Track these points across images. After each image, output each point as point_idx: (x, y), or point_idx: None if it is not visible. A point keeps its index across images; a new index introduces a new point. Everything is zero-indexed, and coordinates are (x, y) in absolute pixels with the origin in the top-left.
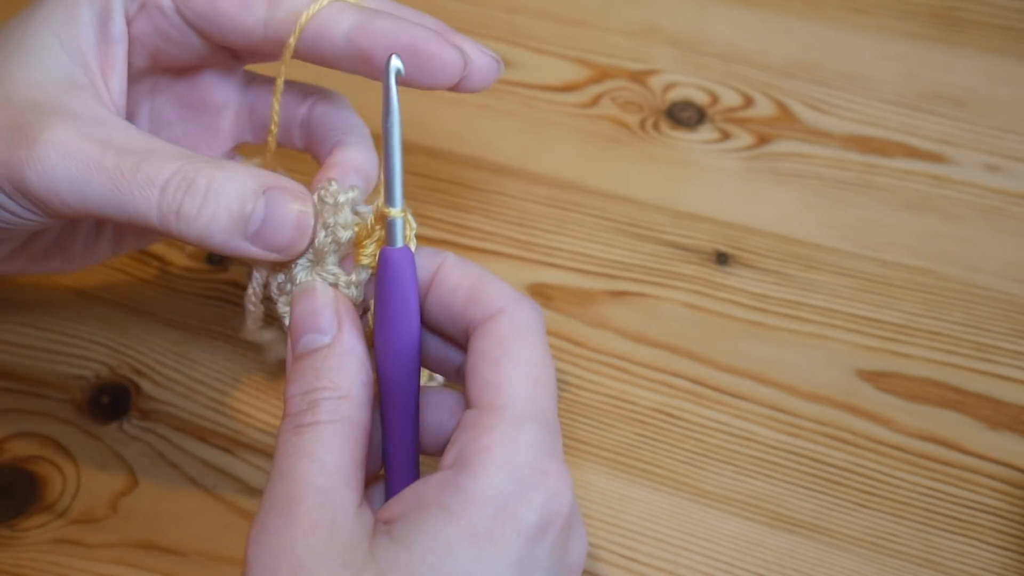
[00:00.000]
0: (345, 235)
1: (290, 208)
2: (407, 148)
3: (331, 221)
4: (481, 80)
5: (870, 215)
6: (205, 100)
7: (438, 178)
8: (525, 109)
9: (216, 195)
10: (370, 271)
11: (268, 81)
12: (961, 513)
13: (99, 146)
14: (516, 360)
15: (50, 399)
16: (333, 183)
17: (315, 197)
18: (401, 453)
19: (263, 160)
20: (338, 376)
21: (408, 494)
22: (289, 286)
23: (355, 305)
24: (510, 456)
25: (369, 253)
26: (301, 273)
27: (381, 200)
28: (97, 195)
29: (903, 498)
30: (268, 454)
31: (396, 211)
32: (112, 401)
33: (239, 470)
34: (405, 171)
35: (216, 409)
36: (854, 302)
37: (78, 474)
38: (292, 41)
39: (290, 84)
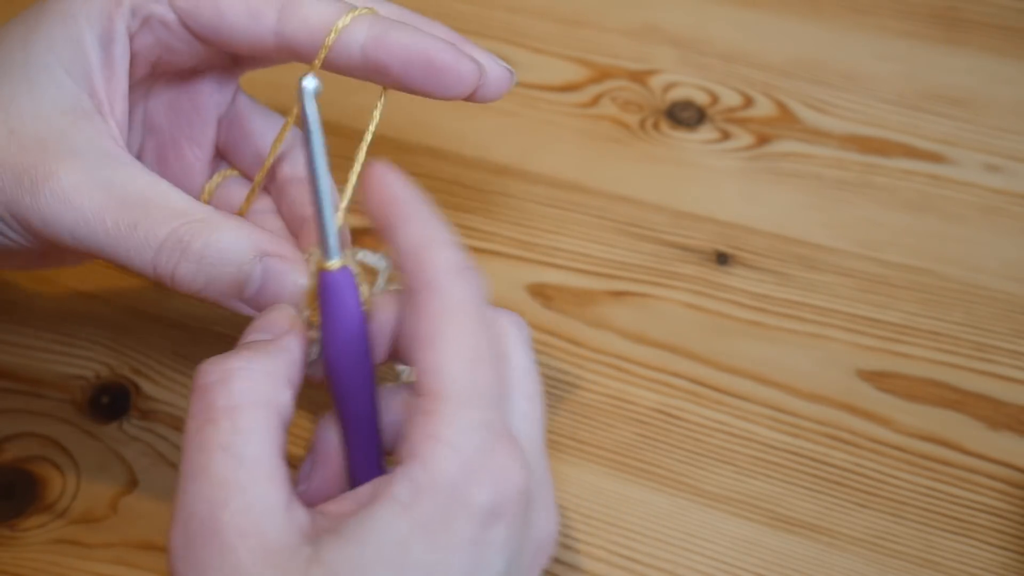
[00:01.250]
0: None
1: (286, 280)
2: (408, 148)
3: None
4: (495, 91)
5: (870, 215)
6: (198, 107)
7: (438, 178)
8: (525, 109)
9: (212, 262)
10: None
11: (253, 106)
12: (961, 513)
13: (101, 196)
14: (448, 340)
15: (50, 399)
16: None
17: (306, 257)
18: (366, 465)
19: (246, 200)
20: (265, 358)
21: (360, 491)
22: None
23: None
24: (454, 440)
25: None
26: None
27: (318, 254)
28: (97, 245)
29: (903, 498)
30: None
31: (333, 263)
32: (112, 401)
33: None
34: (406, 171)
35: None
36: (854, 302)
37: (78, 474)
38: (317, 63)
39: (267, 117)
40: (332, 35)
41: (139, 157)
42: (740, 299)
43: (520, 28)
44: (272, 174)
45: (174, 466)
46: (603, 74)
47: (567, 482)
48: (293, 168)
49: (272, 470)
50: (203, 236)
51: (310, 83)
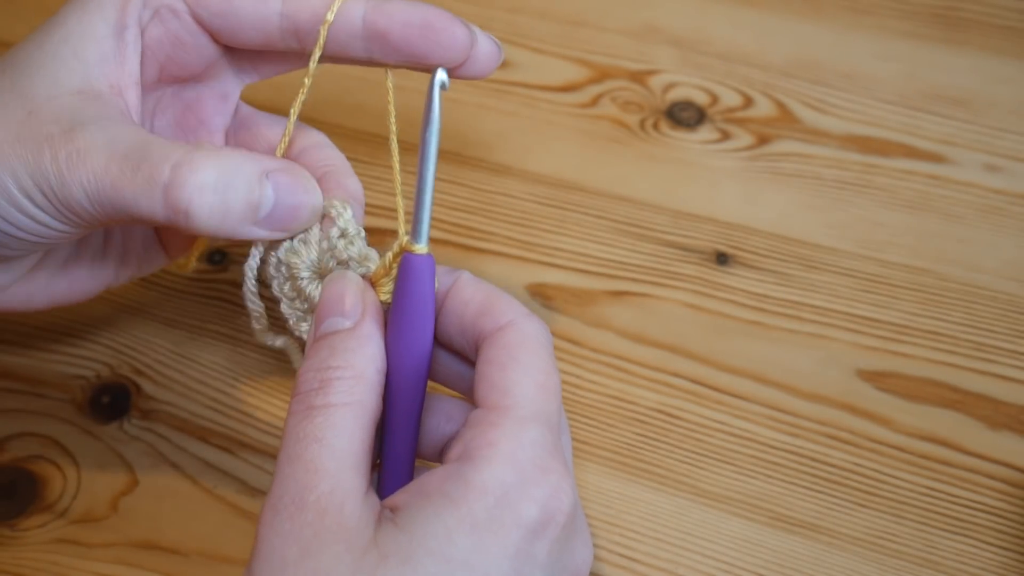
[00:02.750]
0: (356, 267)
1: (299, 196)
2: (408, 148)
3: (341, 247)
4: (485, 63)
5: (870, 215)
6: (204, 122)
7: (438, 178)
8: (525, 109)
9: (223, 186)
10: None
11: (256, 113)
12: (961, 513)
13: (106, 152)
14: (523, 366)
15: (50, 399)
16: (348, 209)
17: (323, 209)
18: (400, 451)
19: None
20: (354, 357)
21: (414, 485)
22: (289, 285)
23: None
24: (514, 451)
25: (387, 291)
26: (309, 286)
27: (404, 234)
28: (107, 198)
29: (903, 498)
30: (268, 454)
31: (421, 247)
32: (112, 401)
33: (239, 470)
34: (407, 172)
35: (216, 409)
36: (854, 302)
37: (78, 474)
38: (322, 34)
39: (273, 120)
40: (335, 5)
41: None
42: (740, 299)
43: (520, 28)
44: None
45: (174, 466)
46: (603, 74)
47: None
48: (301, 142)
49: (357, 461)
50: (208, 163)
51: (441, 74)
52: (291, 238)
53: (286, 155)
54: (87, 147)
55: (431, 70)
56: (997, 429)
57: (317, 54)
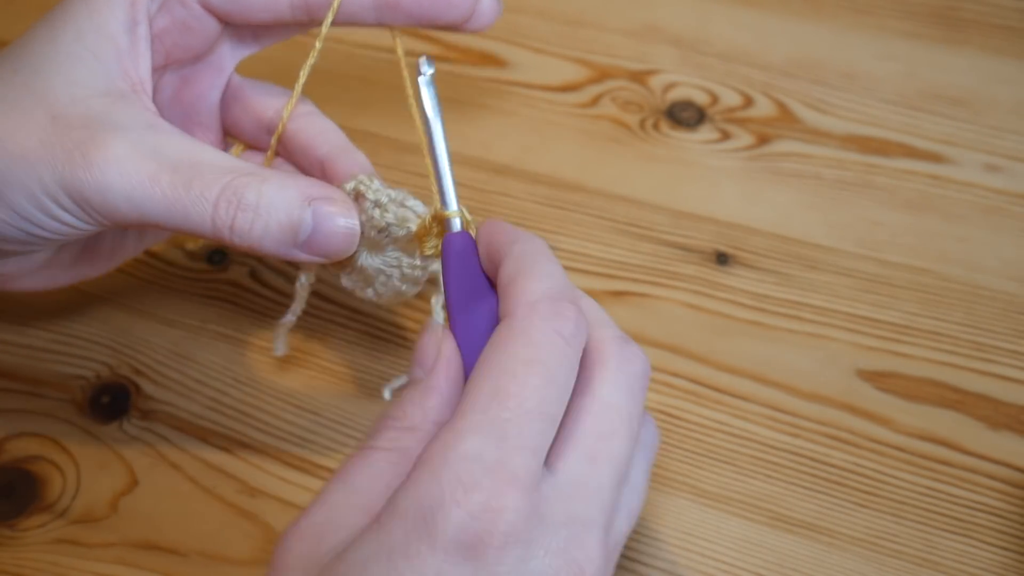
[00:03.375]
0: (398, 231)
1: (336, 221)
2: (408, 148)
3: (378, 216)
4: (488, 16)
5: (870, 215)
6: (201, 95)
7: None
8: (525, 109)
9: (266, 210)
10: (436, 259)
11: (245, 82)
12: (961, 513)
13: (154, 163)
14: (487, 370)
15: (50, 399)
16: (375, 180)
17: (352, 188)
18: None
19: (266, 160)
20: (411, 407)
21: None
22: (357, 276)
23: (420, 284)
24: (439, 466)
25: (432, 245)
26: (364, 259)
27: (437, 203)
28: (154, 210)
29: (903, 498)
30: (268, 454)
31: (452, 211)
32: (112, 401)
33: (239, 470)
34: (408, 172)
35: (216, 409)
36: (854, 302)
37: (78, 474)
38: (333, 6)
39: (262, 88)
40: None
41: None
42: (740, 299)
43: (520, 28)
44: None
45: (174, 466)
46: (603, 74)
47: None
48: (296, 124)
49: (369, 502)
50: (255, 187)
51: (426, 68)
52: None
53: (285, 125)
54: (130, 154)
55: (442, 28)
56: (997, 429)
57: (326, 25)
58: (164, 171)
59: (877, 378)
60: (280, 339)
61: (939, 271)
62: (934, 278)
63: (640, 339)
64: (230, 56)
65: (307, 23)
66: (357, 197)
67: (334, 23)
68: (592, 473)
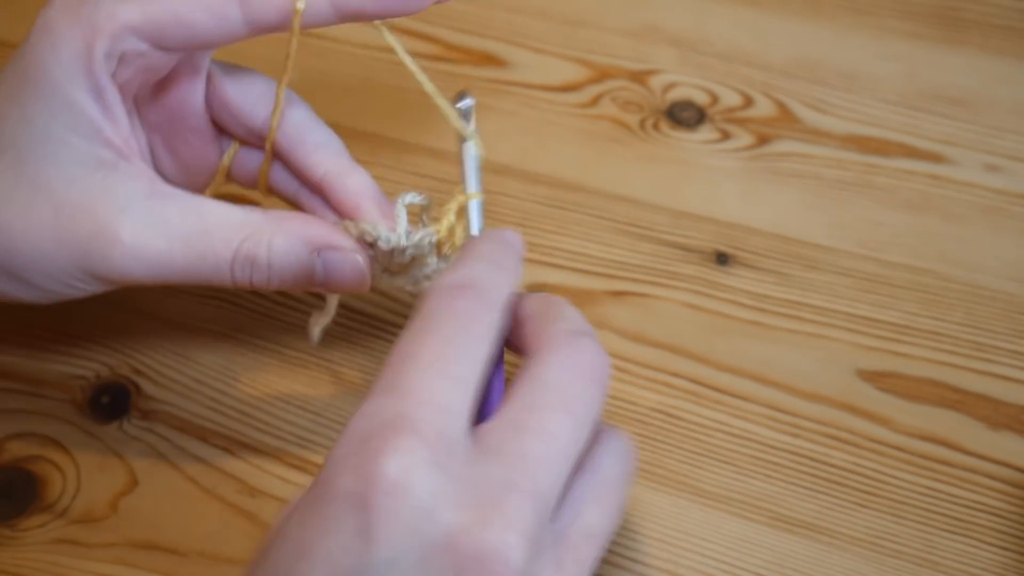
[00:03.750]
0: (403, 259)
1: (347, 267)
2: (408, 148)
3: (397, 256)
4: None
5: (870, 215)
6: (183, 102)
7: (438, 179)
8: (525, 109)
9: (279, 266)
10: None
11: (223, 76)
12: (961, 513)
13: (164, 242)
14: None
15: (50, 399)
16: (378, 227)
17: (356, 234)
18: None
19: (260, 184)
20: None
21: None
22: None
23: None
24: (345, 431)
25: (459, 239)
26: (387, 281)
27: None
28: (175, 279)
29: (903, 498)
30: (268, 454)
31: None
32: (112, 401)
33: (239, 470)
34: (408, 172)
35: (216, 409)
36: (854, 302)
37: (78, 474)
38: (293, 44)
39: (245, 86)
40: (297, 12)
41: (153, 155)
42: (740, 299)
43: (520, 28)
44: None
45: (174, 466)
46: (603, 74)
47: None
48: (289, 140)
49: None
50: (264, 246)
51: (468, 103)
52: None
53: (275, 135)
54: (140, 239)
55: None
56: (997, 429)
57: (294, 44)
58: (176, 247)
59: (877, 378)
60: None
61: (939, 271)
62: (934, 278)
63: (640, 339)
64: (202, 55)
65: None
66: (364, 236)
67: (302, 28)
68: (514, 440)
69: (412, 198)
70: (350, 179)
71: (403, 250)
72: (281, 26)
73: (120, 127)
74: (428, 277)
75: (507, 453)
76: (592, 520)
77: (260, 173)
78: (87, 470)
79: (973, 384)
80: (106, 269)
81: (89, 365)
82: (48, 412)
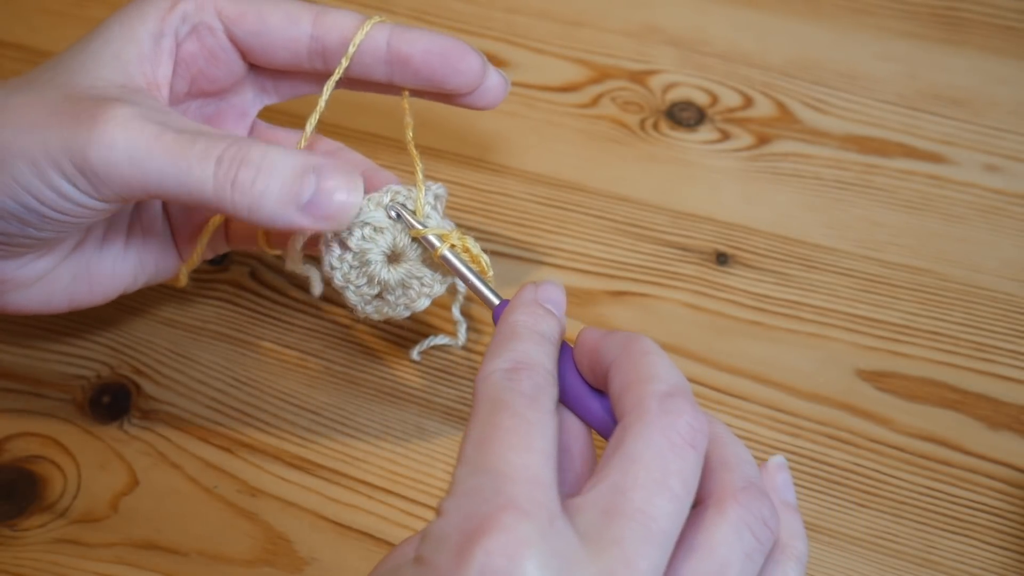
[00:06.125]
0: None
1: (337, 181)
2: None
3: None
4: (495, 93)
5: (870, 215)
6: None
7: (438, 179)
8: (525, 109)
9: (269, 167)
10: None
11: (271, 128)
12: (961, 513)
13: (158, 126)
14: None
15: (51, 399)
16: (392, 187)
17: (389, 199)
18: None
19: None
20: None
21: None
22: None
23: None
24: (451, 507)
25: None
26: (384, 272)
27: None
28: (156, 168)
29: (903, 498)
30: (268, 454)
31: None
32: (112, 401)
33: (239, 470)
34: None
35: (216, 409)
36: (854, 302)
37: (79, 474)
38: (350, 52)
39: (285, 134)
40: (363, 31)
41: None
42: (740, 299)
43: (520, 28)
44: None
45: (175, 466)
46: (603, 74)
47: None
48: (320, 148)
49: None
50: (260, 147)
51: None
52: (363, 226)
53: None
54: (133, 115)
55: (446, 94)
56: (997, 429)
57: (344, 64)
58: (168, 132)
59: (877, 378)
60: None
61: (939, 271)
62: (934, 278)
63: None
64: (253, 101)
65: (323, 72)
66: (391, 205)
67: (346, 80)
68: (608, 525)
69: (437, 189)
70: (381, 173)
71: (428, 217)
72: (335, 50)
73: (159, 71)
74: (415, 289)
75: (603, 539)
76: None
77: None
78: (88, 470)
79: (973, 384)
80: (87, 139)
81: (89, 365)
82: (49, 412)
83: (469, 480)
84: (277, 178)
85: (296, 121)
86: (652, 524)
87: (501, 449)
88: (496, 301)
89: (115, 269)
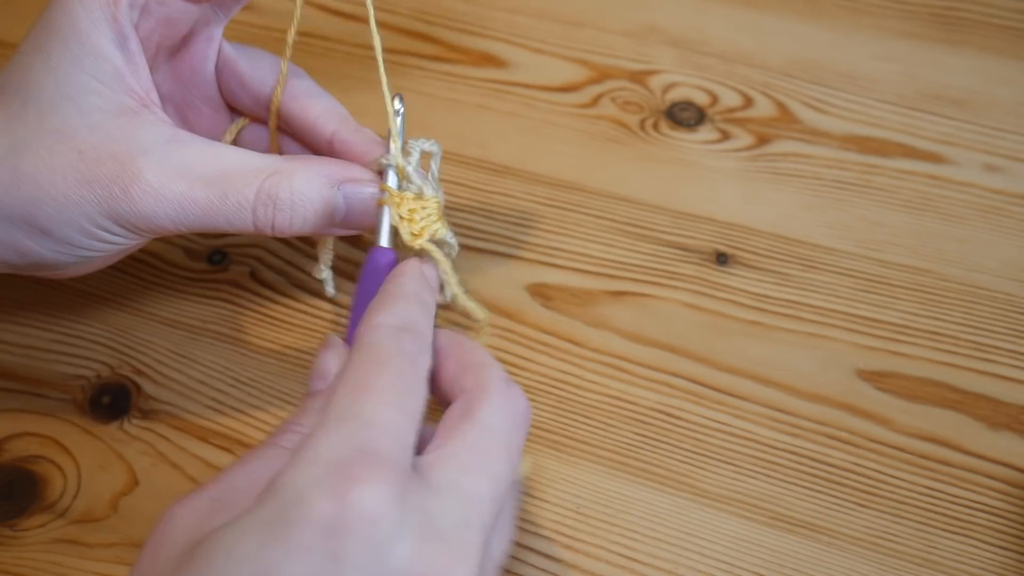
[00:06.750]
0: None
1: (366, 196)
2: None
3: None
4: None
5: (870, 215)
6: (195, 69)
7: (438, 178)
8: (525, 109)
9: (301, 204)
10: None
11: (235, 51)
12: (961, 513)
13: (185, 183)
14: (350, 369)
15: (51, 399)
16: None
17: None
18: None
19: (270, 144)
20: (308, 416)
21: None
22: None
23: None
24: (309, 456)
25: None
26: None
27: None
28: (197, 223)
29: (903, 498)
30: None
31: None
32: (112, 401)
33: None
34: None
35: (216, 409)
36: (854, 302)
37: (79, 474)
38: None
39: (255, 60)
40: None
41: None
42: (740, 299)
43: (520, 28)
44: (281, 115)
45: (175, 466)
46: (603, 74)
47: (567, 482)
48: (297, 104)
49: None
50: (286, 185)
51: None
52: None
53: (282, 104)
54: (162, 179)
55: None
56: (997, 429)
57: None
58: (197, 188)
59: (877, 378)
60: (328, 283)
61: (938, 271)
62: (933, 278)
63: (640, 339)
64: (215, 21)
65: None
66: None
67: None
68: (467, 482)
69: (427, 145)
70: (359, 134)
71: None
72: None
73: (141, 77)
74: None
75: (461, 493)
76: (496, 555)
77: (270, 139)
78: (88, 470)
79: (973, 384)
80: (129, 210)
81: (89, 365)
82: (49, 412)
83: (341, 425)
84: (311, 210)
85: (272, 37)
86: (498, 486)
87: (376, 404)
88: (385, 244)
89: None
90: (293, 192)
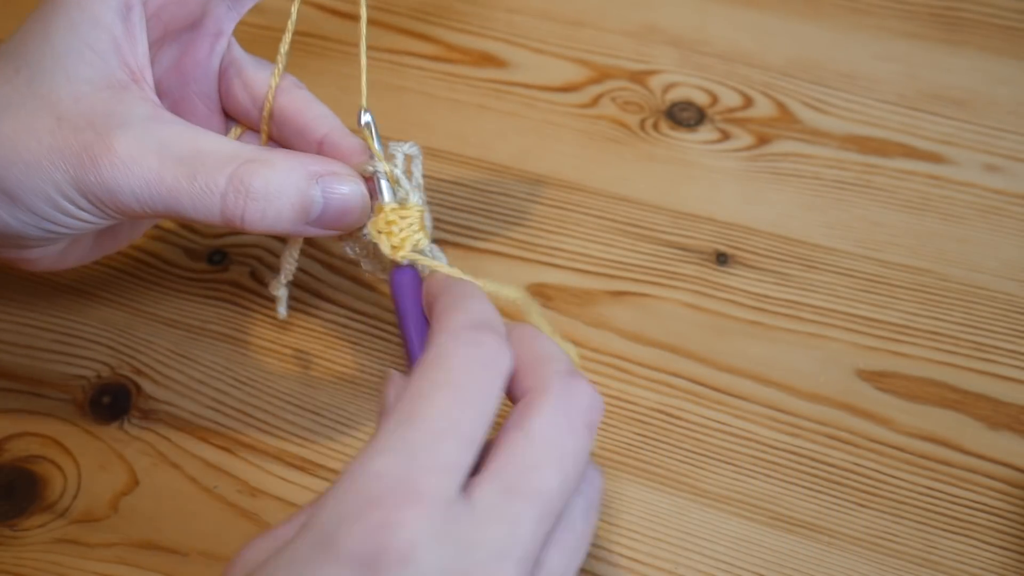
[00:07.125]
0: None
1: (344, 190)
2: None
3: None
4: None
5: (870, 215)
6: (200, 63)
7: (438, 179)
8: (525, 109)
9: (276, 196)
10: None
11: (244, 56)
12: (961, 513)
13: (157, 159)
14: (405, 393)
15: (51, 399)
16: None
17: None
18: None
19: (262, 140)
20: None
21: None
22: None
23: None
24: (348, 485)
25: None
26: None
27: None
28: (162, 204)
29: (903, 498)
30: (268, 454)
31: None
32: (113, 401)
33: (239, 470)
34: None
35: (216, 409)
36: (854, 302)
37: (79, 474)
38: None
39: (261, 65)
40: None
41: None
42: (740, 299)
43: (520, 28)
44: (274, 119)
45: (175, 466)
46: (603, 74)
47: None
48: (292, 106)
49: None
50: (261, 174)
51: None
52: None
53: (277, 105)
54: (133, 153)
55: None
56: (997, 429)
57: (281, 59)
58: (168, 166)
59: (877, 378)
60: (282, 303)
61: (938, 271)
62: (933, 278)
63: (640, 339)
64: (227, 17)
65: None
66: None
67: None
68: (508, 504)
69: (408, 148)
70: (349, 139)
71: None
72: None
73: (138, 51)
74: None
75: (500, 519)
76: (557, 569)
77: (262, 136)
78: (88, 470)
79: (973, 384)
80: (94, 182)
81: (89, 365)
82: (48, 412)
83: (384, 458)
84: (286, 203)
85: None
86: (547, 503)
87: (426, 433)
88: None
89: (121, 233)
90: (268, 182)
